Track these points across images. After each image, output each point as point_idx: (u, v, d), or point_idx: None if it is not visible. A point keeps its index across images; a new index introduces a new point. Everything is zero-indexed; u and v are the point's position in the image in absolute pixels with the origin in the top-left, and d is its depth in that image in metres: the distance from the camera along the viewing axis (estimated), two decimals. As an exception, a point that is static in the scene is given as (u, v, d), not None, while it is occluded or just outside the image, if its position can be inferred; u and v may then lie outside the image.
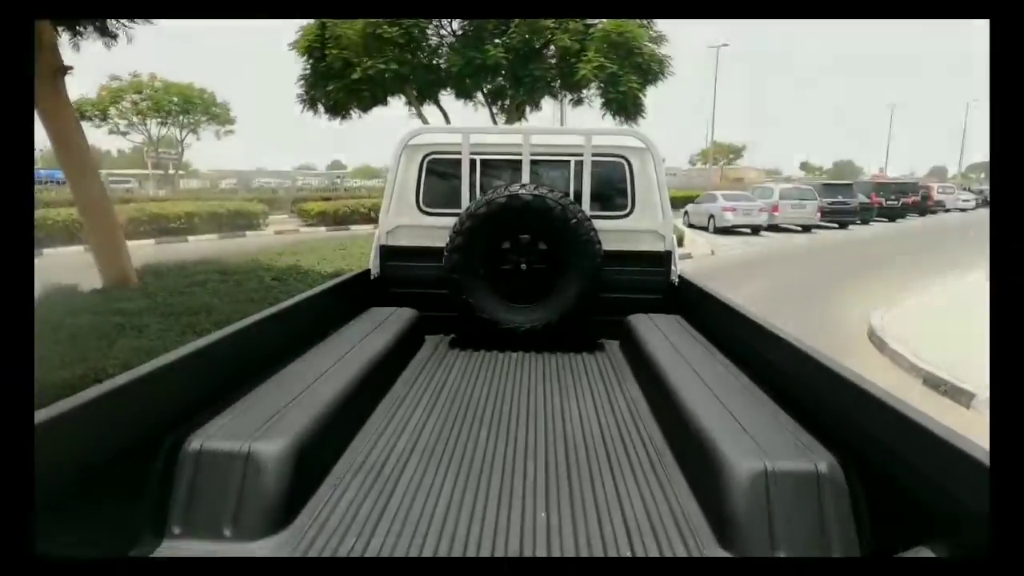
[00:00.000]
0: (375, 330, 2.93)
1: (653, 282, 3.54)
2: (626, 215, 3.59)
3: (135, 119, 29.25)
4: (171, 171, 31.99)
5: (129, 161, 49.96)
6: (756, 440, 1.67)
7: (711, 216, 19.64)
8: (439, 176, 3.67)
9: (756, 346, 2.28)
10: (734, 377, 2.27)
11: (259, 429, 1.70)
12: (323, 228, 20.05)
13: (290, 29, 13.36)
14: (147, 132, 30.79)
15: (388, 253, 3.64)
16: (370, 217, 20.94)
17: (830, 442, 1.66)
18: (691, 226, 20.75)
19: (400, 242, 3.64)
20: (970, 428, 1.60)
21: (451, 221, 3.32)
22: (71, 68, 6.51)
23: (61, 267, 10.59)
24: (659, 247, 3.57)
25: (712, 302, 2.92)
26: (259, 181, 32.70)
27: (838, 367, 1.69)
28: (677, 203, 25.18)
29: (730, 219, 18.92)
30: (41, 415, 1.25)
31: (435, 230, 3.51)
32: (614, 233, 3.50)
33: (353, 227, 20.20)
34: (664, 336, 2.87)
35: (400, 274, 3.63)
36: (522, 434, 2.21)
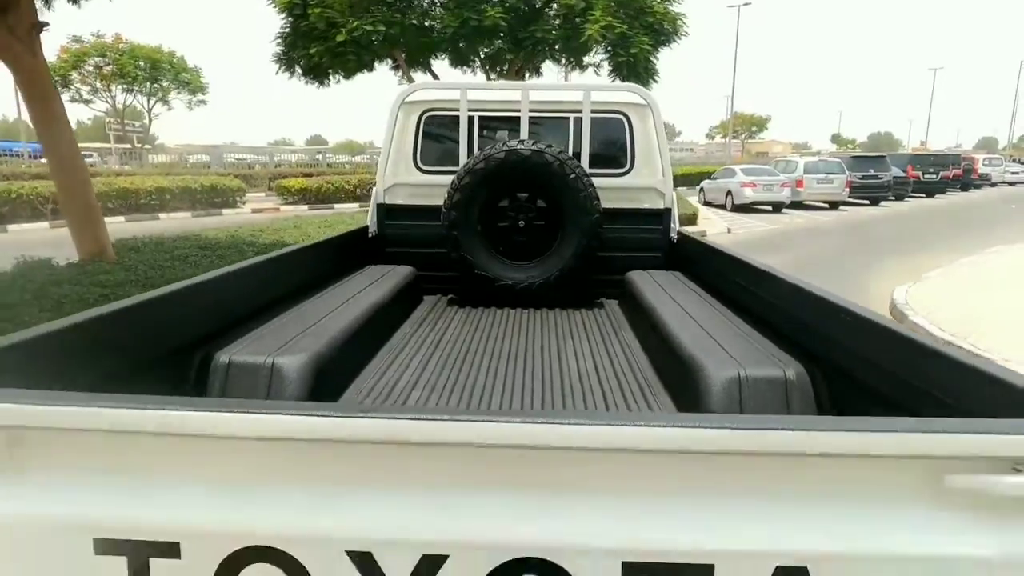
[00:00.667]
0: (375, 283, 3.29)
1: (652, 240, 3.89)
2: (626, 172, 3.93)
3: (99, 85, 29.42)
4: (137, 145, 32.20)
5: (89, 134, 50.07)
6: (732, 354, 2.04)
7: (729, 192, 19.90)
8: (437, 133, 4.01)
9: (744, 283, 2.65)
10: (722, 314, 2.64)
11: (279, 348, 2.07)
12: (305, 206, 20.37)
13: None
14: (111, 100, 30.98)
15: (386, 211, 3.99)
16: (356, 195, 21.24)
17: (800, 353, 2.03)
18: (707, 203, 21.03)
19: (397, 200, 3.99)
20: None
21: (449, 179, 3.65)
22: (47, 25, 6.80)
23: (29, 242, 10.97)
24: (659, 204, 3.92)
25: (711, 254, 3.27)
26: (232, 156, 32.92)
27: (807, 286, 2.05)
28: (694, 179, 25.53)
29: (749, 195, 19.18)
30: (92, 313, 1.60)
31: (433, 188, 3.85)
32: (613, 191, 3.83)
33: (338, 205, 20.52)
34: (661, 287, 3.23)
35: (398, 233, 3.98)
36: (519, 371, 2.58)
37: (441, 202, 3.62)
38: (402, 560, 0.97)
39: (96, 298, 5.74)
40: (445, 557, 0.97)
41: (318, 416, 0.95)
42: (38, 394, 1.00)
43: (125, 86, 30.11)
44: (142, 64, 29.15)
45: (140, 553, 0.99)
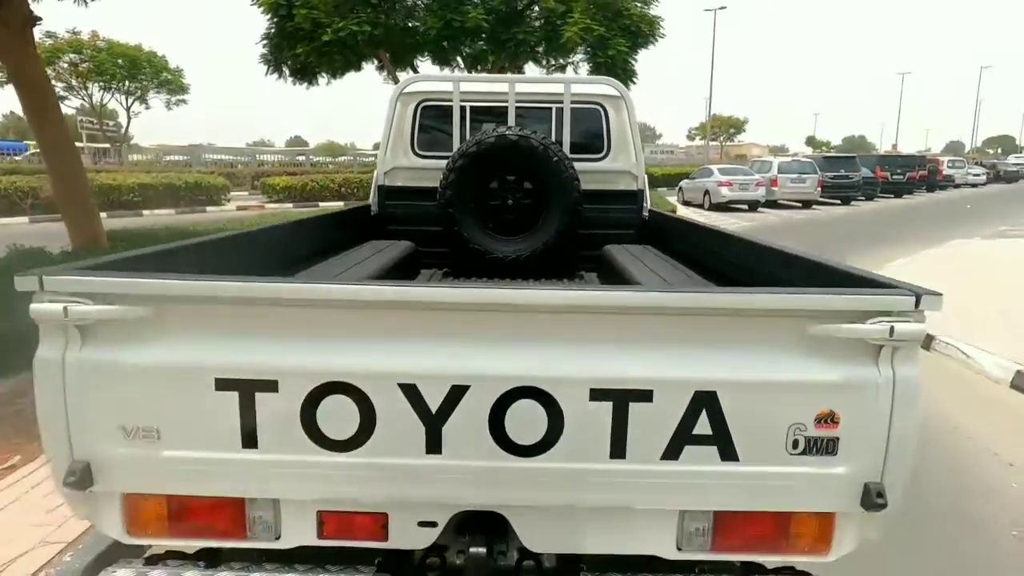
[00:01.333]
0: (379, 252, 3.69)
1: (627, 218, 4.34)
2: (602, 157, 4.38)
3: (75, 83, 29.12)
4: (116, 143, 31.94)
5: (61, 134, 49.25)
6: None
7: (706, 191, 20.60)
8: (432, 121, 4.42)
9: (704, 245, 3.11)
10: (685, 273, 3.09)
11: None
12: (290, 204, 20.58)
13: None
14: (88, 98, 30.63)
15: (386, 192, 4.39)
16: (340, 193, 21.49)
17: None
18: (686, 203, 21.71)
19: (396, 182, 4.39)
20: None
21: (443, 163, 4.04)
22: (41, 19, 7.05)
23: (13, 235, 11.08)
24: (632, 186, 4.38)
25: (677, 227, 3.73)
26: (212, 156, 32.88)
27: (751, 237, 2.51)
28: (675, 180, 26.23)
29: (726, 194, 19.88)
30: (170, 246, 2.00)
31: (428, 171, 4.25)
32: (592, 174, 4.27)
33: (323, 203, 20.75)
34: (635, 257, 3.68)
35: (397, 211, 4.39)
36: None
37: (436, 184, 4.03)
38: (437, 388, 1.38)
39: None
40: (468, 386, 1.38)
41: (378, 287, 1.37)
42: (175, 275, 1.40)
43: (102, 84, 29.85)
44: (120, 62, 28.93)
45: (248, 388, 1.38)
